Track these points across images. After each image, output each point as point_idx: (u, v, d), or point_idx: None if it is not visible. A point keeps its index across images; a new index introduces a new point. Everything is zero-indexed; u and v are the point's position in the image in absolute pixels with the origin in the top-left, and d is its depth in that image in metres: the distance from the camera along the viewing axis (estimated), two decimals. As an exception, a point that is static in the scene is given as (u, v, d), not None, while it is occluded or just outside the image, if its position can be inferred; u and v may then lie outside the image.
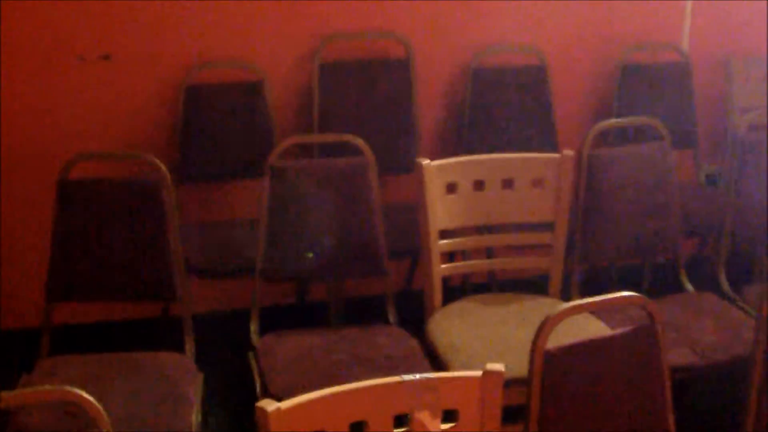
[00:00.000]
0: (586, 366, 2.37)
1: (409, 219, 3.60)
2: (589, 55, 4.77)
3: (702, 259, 4.51)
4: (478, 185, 3.40)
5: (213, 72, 4.15)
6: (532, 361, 2.28)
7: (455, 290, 3.77)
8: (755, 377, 2.57)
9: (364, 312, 3.55)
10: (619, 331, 2.48)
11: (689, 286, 3.76)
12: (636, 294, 2.41)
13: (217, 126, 4.16)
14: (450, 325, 3.26)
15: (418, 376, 2.06)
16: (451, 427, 2.11)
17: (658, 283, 3.85)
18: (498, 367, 2.09)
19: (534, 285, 3.53)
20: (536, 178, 3.43)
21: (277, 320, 3.39)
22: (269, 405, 1.90)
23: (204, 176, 4.16)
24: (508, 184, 3.42)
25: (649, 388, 2.46)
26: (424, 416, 2.07)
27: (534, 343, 2.28)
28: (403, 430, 2.07)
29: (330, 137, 3.98)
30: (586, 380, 2.37)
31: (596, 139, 3.76)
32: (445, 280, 3.45)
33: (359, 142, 3.42)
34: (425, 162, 3.25)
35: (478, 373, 2.09)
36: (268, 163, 3.33)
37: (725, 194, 4.02)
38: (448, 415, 2.11)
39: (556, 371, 2.31)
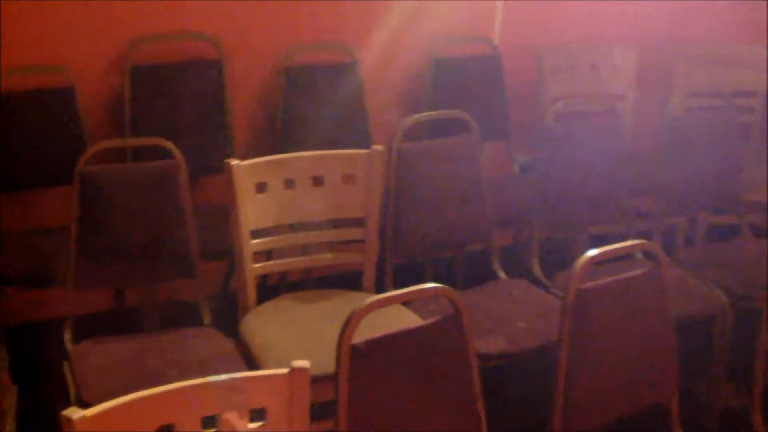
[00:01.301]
0: (393, 358, 2.42)
1: (224, 220, 3.62)
2: (403, 51, 4.85)
3: (518, 248, 4.64)
4: (289, 184, 3.42)
5: (22, 79, 4.08)
6: (338, 357, 2.32)
7: (273, 289, 3.81)
8: (562, 361, 2.66)
9: (180, 316, 3.54)
10: (424, 322, 2.55)
11: (502, 275, 3.87)
12: (440, 285, 2.47)
13: (28, 133, 4.08)
14: (263, 324, 3.29)
15: (224, 376, 2.07)
16: (259, 426, 2.12)
17: (474, 272, 3.94)
18: (304, 364, 2.11)
19: (350, 280, 3.58)
20: (346, 174, 3.47)
21: (95, 328, 3.36)
22: (75, 413, 1.88)
23: (17, 185, 4.09)
24: (318, 181, 3.46)
25: (458, 377, 2.53)
26: (231, 417, 2.09)
27: (340, 338, 2.32)
28: (211, 431, 2.08)
29: (138, 141, 3.97)
30: (393, 372, 2.42)
31: (411, 134, 3.83)
32: (264, 280, 3.47)
33: (168, 145, 3.42)
34: (234, 162, 3.27)
35: (285, 371, 2.11)
36: (76, 170, 3.31)
37: (537, 183, 4.14)
38: (259, 415, 2.13)
39: (364, 365, 2.35)
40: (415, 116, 3.87)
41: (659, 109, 4.60)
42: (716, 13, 5.47)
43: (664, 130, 4.24)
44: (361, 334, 2.35)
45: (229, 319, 3.46)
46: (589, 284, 2.66)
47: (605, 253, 2.68)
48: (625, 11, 5.26)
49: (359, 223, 3.52)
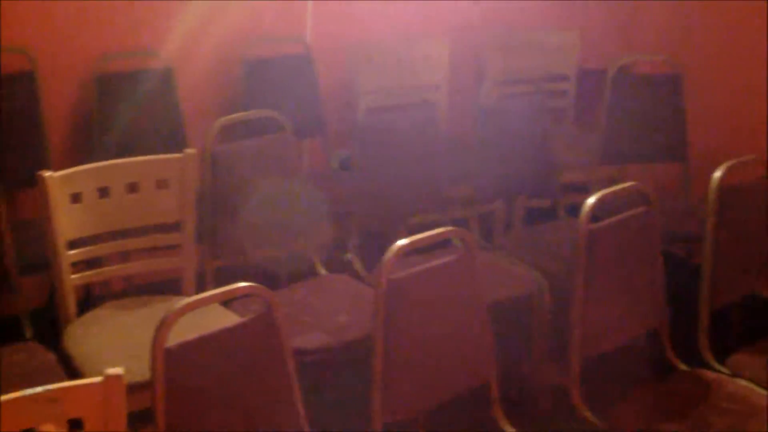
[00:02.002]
0: (209, 360, 2.45)
1: (43, 233, 3.59)
2: (216, 53, 4.86)
3: (340, 242, 4.71)
4: (104, 192, 3.42)
5: None
6: (153, 361, 2.35)
7: (99, 299, 3.79)
8: (378, 351, 2.72)
9: (2, 332, 3.51)
10: (237, 321, 2.59)
11: (323, 270, 3.94)
12: (252, 284, 2.52)
13: None
14: (85, 334, 3.28)
15: (39, 389, 2.06)
16: (77, 436, 2.14)
17: (298, 270, 3.99)
18: (117, 371, 2.12)
19: (173, 286, 3.60)
20: (161, 179, 3.49)
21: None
22: None
23: None
24: (133, 188, 3.46)
25: (275, 374, 2.58)
26: (48, 429, 2.10)
27: (153, 342, 2.35)
28: (29, 444, 2.08)
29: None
30: (211, 373, 2.45)
31: (225, 135, 3.86)
32: (88, 290, 3.46)
33: (-24, 160, 3.39)
34: (47, 174, 3.25)
35: (99, 379, 2.12)
36: None
37: (355, 177, 4.21)
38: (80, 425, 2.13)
39: (180, 368, 2.39)
40: (225, 118, 3.90)
41: (473, 97, 4.72)
42: (523, 2, 5.63)
43: (478, 118, 4.36)
44: (181, 338, 2.37)
45: (53, 332, 3.44)
46: (400, 274, 2.73)
47: (415, 242, 2.76)
48: (436, 2, 5.37)
49: (176, 227, 3.53)
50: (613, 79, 4.77)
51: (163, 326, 2.35)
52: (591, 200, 3.02)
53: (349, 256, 4.08)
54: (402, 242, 2.72)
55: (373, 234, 4.22)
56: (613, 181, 3.63)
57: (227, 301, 3.38)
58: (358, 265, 3.98)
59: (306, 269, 3.96)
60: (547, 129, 4.50)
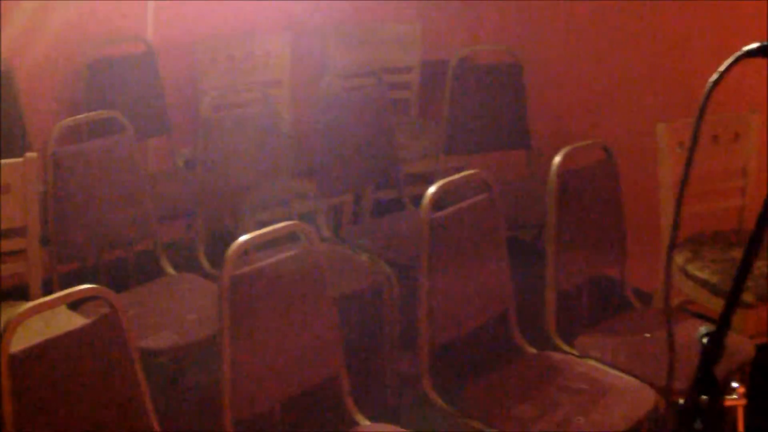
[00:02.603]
0: (55, 364, 2.44)
1: None
2: (56, 54, 4.80)
3: (188, 241, 4.70)
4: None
5: None
6: (-3, 369, 2.33)
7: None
8: (225, 348, 2.73)
9: None
10: (79, 324, 2.58)
11: (171, 270, 3.93)
12: (94, 285, 2.52)
13: None
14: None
15: None
16: None
17: (145, 270, 3.98)
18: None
19: (20, 292, 3.55)
20: (2, 184, 3.44)
21: None
22: None
23: None
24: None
25: (122, 375, 2.58)
26: None
27: (-4, 349, 2.33)
28: None
29: None
30: (57, 377, 2.44)
31: (67, 138, 3.83)
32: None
33: None
34: None
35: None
36: None
37: (199, 176, 4.21)
38: None
39: (25, 374, 2.37)
40: (67, 120, 3.86)
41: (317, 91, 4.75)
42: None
43: (321, 112, 4.39)
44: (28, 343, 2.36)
45: None
46: (242, 270, 2.75)
47: (256, 237, 2.79)
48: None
49: (21, 232, 3.49)
50: (454, 69, 4.84)
51: (6, 331, 2.34)
52: (432, 189, 3.09)
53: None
54: (243, 238, 2.75)
55: (222, 232, 4.23)
56: (459, 171, 3.69)
57: (76, 306, 3.35)
58: (205, 263, 3.98)
59: (154, 269, 3.95)
60: (391, 121, 4.57)
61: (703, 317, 3.75)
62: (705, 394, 1.71)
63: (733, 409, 1.79)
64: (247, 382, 2.78)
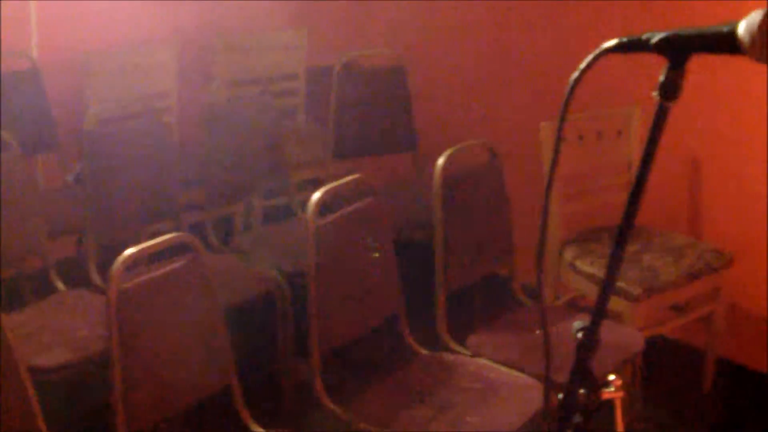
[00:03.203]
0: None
1: None
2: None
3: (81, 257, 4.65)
4: None
5: None
6: None
7: None
8: (116, 362, 2.71)
9: None
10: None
11: (62, 286, 3.88)
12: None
13: None
14: None
15: None
16: None
17: (37, 288, 3.93)
18: None
19: None
20: None
21: None
22: None
23: None
24: None
25: (12, 394, 2.55)
26: None
27: None
28: None
29: None
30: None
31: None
32: None
33: None
34: None
35: None
36: None
37: (87, 191, 4.16)
38: None
39: None
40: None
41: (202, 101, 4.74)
42: (250, 2, 5.67)
43: (207, 122, 4.37)
44: None
45: None
46: (129, 283, 2.72)
47: (142, 250, 2.77)
48: (162, 8, 5.35)
49: None
50: (338, 74, 4.86)
51: None
52: (316, 195, 3.10)
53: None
54: (129, 251, 2.73)
55: (115, 246, 4.19)
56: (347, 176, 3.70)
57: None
58: (96, 278, 3.94)
59: (46, 287, 3.90)
60: (278, 128, 4.56)
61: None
62: (582, 388, 1.73)
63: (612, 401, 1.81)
64: (140, 396, 2.76)
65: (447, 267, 3.53)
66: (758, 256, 4.28)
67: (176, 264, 2.90)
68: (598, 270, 3.93)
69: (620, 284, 3.79)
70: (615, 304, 3.82)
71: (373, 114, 4.93)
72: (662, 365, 4.33)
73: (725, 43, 1.43)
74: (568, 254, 4.12)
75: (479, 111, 5.14)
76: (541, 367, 3.22)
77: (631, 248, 4.09)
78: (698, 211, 4.53)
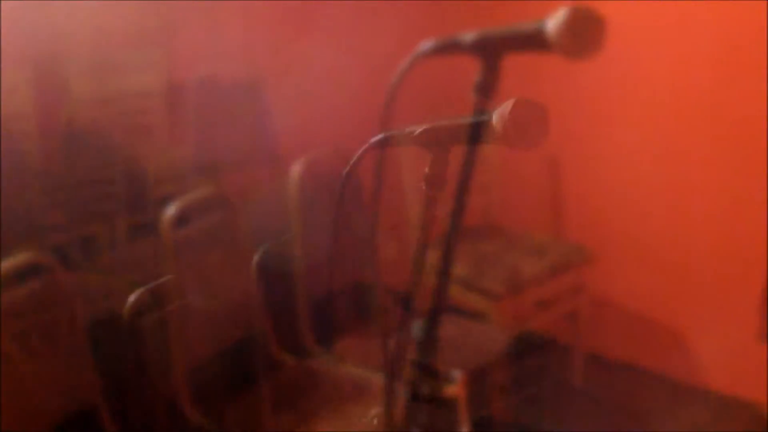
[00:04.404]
0: None
1: None
2: None
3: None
4: None
5: None
6: None
7: None
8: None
9: None
10: None
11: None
12: None
13: None
14: None
15: None
16: None
17: None
18: None
19: None
20: None
21: None
22: None
23: None
24: None
25: None
26: None
27: None
28: None
29: None
30: None
31: None
32: None
33: None
34: None
35: None
36: None
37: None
38: None
39: None
40: None
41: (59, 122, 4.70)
42: (108, 22, 5.63)
43: (65, 142, 4.35)
44: None
45: None
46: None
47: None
48: (12, 29, 5.29)
49: None
50: (196, 90, 4.87)
51: None
52: (171, 210, 3.11)
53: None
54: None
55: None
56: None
57: None
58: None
59: None
60: (137, 146, 4.55)
61: (460, 312, 3.87)
62: (426, 385, 1.78)
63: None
64: (6, 419, 2.74)
65: (307, 274, 3.56)
66: (619, 252, 4.40)
67: (33, 286, 2.89)
68: (460, 269, 3.99)
69: (484, 283, 3.86)
70: (479, 303, 3.90)
71: (232, 129, 4.95)
72: (531, 361, 4.41)
73: (535, 41, 1.49)
74: (432, 256, 4.17)
75: (336, 120, 5.18)
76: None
77: (493, 248, 4.18)
78: (559, 210, 4.64)
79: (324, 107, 5.08)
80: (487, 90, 1.58)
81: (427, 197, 1.61)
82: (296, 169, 3.54)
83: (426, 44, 1.64)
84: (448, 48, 1.62)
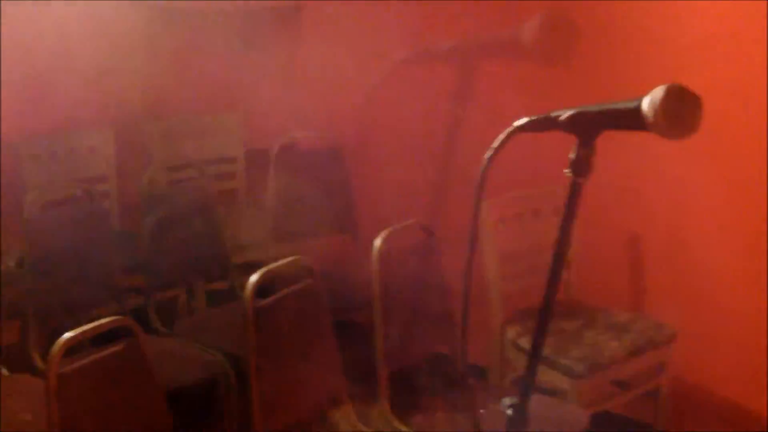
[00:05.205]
0: None
1: None
2: None
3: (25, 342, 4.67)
4: None
5: None
6: None
7: None
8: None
9: None
10: None
11: (5, 371, 3.91)
12: None
13: None
14: None
15: None
16: None
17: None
18: None
19: None
20: None
21: None
22: None
23: None
24: None
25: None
26: None
27: None
28: None
29: None
30: None
31: None
32: None
33: None
34: None
35: None
36: None
37: (28, 275, 4.20)
38: None
39: None
40: None
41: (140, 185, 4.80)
42: (187, 86, 5.75)
43: (146, 206, 4.43)
44: None
45: None
46: (69, 367, 2.77)
47: (80, 334, 2.81)
48: (97, 92, 5.42)
49: None
50: (276, 157, 4.95)
51: None
52: (254, 278, 3.16)
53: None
54: (67, 335, 2.78)
55: (58, 331, 4.22)
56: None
57: None
58: (38, 362, 3.97)
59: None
60: (217, 212, 4.63)
61: (538, 388, 3.86)
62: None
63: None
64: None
65: (388, 346, 3.59)
66: (702, 330, 4.35)
67: (115, 348, 2.95)
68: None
69: (564, 362, 3.86)
70: (559, 381, 3.88)
71: (312, 195, 5.02)
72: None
73: (630, 119, 1.51)
74: (511, 333, 4.18)
75: (416, 191, 5.23)
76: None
77: (573, 325, 4.17)
78: (639, 287, 4.61)
79: (407, 179, 5.13)
80: (582, 166, 1.60)
81: (572, 183, 1.61)
82: (378, 241, 3.58)
83: (521, 120, 1.67)
84: (543, 124, 1.64)
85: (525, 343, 4.09)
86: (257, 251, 5.10)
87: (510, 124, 1.72)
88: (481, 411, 3.55)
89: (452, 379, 3.92)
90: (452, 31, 4.80)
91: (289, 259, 3.39)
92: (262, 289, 3.20)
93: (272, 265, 3.28)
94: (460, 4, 4.69)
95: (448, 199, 5.02)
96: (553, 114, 1.61)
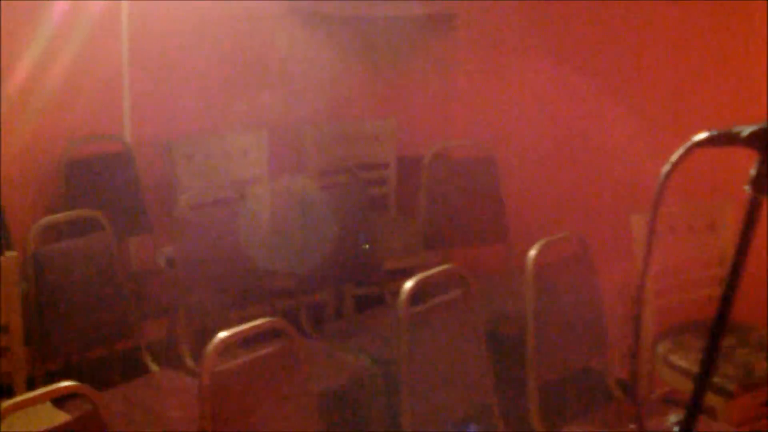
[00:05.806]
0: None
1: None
2: (37, 152, 4.90)
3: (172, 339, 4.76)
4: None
5: None
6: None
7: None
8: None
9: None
10: (62, 421, 2.64)
11: (154, 367, 4.00)
12: (74, 383, 2.59)
13: None
14: None
15: None
16: None
17: (129, 367, 4.05)
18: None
19: (4, 390, 3.57)
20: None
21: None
22: None
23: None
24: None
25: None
26: None
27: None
28: None
29: None
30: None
31: (47, 236, 3.92)
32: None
33: None
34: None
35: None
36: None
37: (179, 274, 4.28)
38: None
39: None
40: (46, 219, 3.95)
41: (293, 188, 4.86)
42: (343, 92, 5.82)
43: (299, 209, 4.49)
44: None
45: None
46: (222, 366, 2.82)
47: (236, 334, 2.85)
48: (253, 96, 5.51)
49: (3, 330, 3.55)
50: (429, 164, 4.97)
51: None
52: (408, 284, 3.18)
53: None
54: (223, 335, 2.81)
55: (207, 329, 4.30)
56: (439, 265, 3.78)
57: (62, 403, 3.38)
58: (188, 360, 4.04)
59: (138, 367, 4.01)
60: (369, 217, 4.67)
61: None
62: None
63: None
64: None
65: (539, 358, 3.57)
66: None
67: (270, 349, 2.99)
68: (692, 365, 3.93)
69: (714, 380, 3.80)
70: (709, 399, 3.82)
71: (463, 204, 5.02)
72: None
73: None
74: (662, 348, 4.13)
75: (569, 201, 5.19)
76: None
77: (726, 343, 4.10)
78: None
79: (560, 189, 5.10)
80: (762, 184, 1.57)
81: (751, 200, 1.58)
82: (533, 252, 3.56)
83: (700, 135, 1.64)
84: (724, 139, 1.61)
85: (677, 359, 4.03)
86: (407, 258, 5.13)
87: (671, 137, 1.70)
88: (631, 426, 3.53)
89: (602, 393, 3.89)
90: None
91: (443, 267, 3.40)
92: (417, 297, 3.22)
93: (427, 273, 3.29)
94: None
95: (601, 210, 4.97)
96: (735, 130, 1.59)
